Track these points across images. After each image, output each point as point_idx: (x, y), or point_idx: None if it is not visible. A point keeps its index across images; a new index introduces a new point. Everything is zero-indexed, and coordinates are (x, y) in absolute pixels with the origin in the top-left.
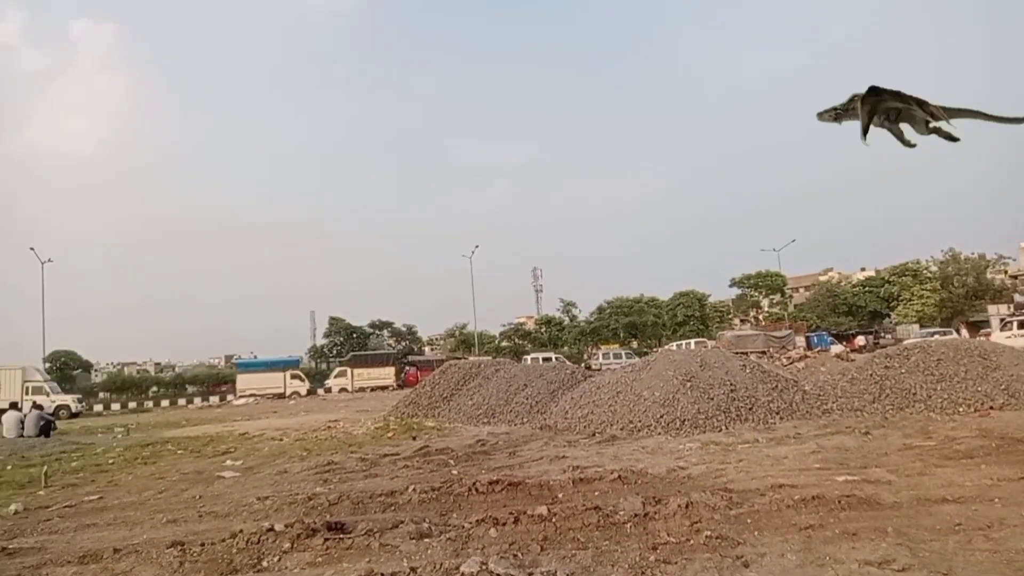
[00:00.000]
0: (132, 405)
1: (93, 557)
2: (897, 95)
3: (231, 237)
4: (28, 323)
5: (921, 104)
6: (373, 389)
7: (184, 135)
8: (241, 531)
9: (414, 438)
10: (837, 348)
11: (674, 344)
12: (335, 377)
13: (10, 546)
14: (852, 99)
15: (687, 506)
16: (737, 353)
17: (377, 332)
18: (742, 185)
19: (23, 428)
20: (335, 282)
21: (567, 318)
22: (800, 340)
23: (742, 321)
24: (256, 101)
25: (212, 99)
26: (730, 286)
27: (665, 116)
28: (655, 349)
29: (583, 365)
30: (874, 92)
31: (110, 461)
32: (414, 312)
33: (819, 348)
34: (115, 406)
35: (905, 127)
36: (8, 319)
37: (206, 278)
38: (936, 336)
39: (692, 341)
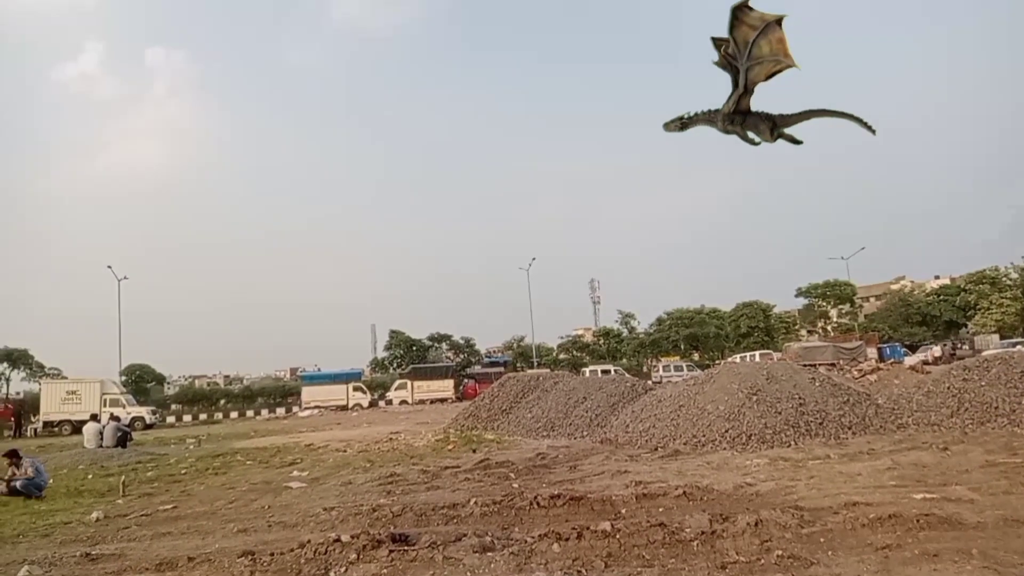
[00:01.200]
0: (203, 417)
1: (169, 565)
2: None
3: (296, 253)
4: (106, 338)
5: (767, 116)
6: (432, 401)
7: (249, 154)
8: (309, 541)
9: (474, 451)
10: (911, 360)
11: (738, 356)
12: (395, 389)
13: (93, 552)
14: (705, 113)
15: (756, 524)
16: (805, 365)
17: (436, 345)
18: (807, 191)
19: (102, 439)
20: (395, 296)
21: (625, 330)
22: (871, 352)
23: (809, 332)
24: (317, 121)
25: (275, 119)
26: (796, 296)
27: None
28: (717, 362)
29: (651, 381)
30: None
31: (183, 471)
32: (472, 325)
33: (892, 360)
34: (187, 417)
35: (752, 133)
36: (88, 334)
37: (273, 293)
38: (1019, 347)
39: (757, 353)
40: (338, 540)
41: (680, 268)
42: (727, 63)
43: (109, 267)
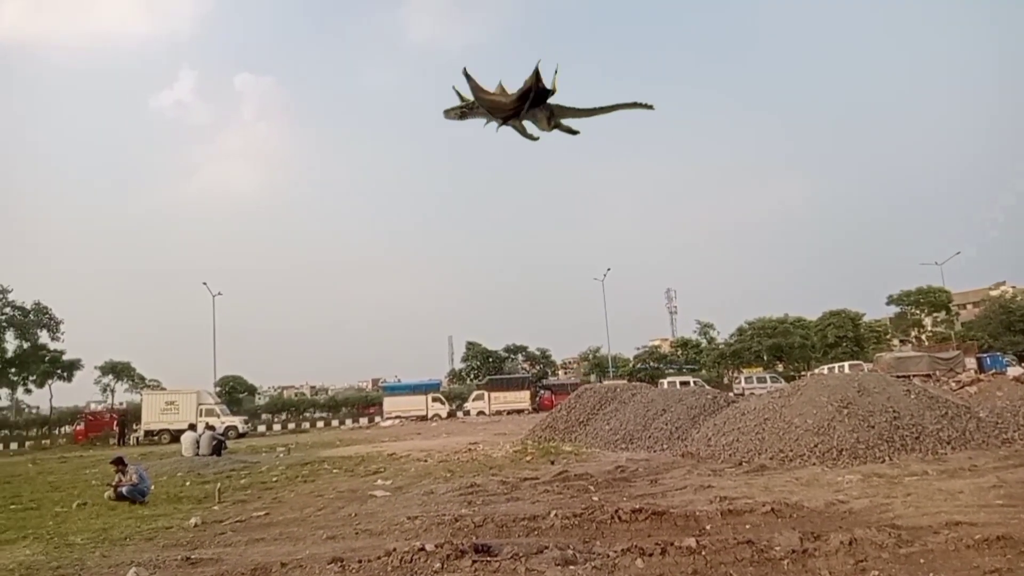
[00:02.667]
0: (291, 426)
1: (263, 570)
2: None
3: (376, 267)
4: (201, 351)
5: (545, 106)
6: (509, 412)
7: (330, 174)
8: (395, 550)
9: (552, 462)
10: (1016, 371)
11: (825, 367)
12: (473, 400)
13: (192, 556)
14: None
15: (850, 543)
16: (898, 377)
17: (512, 356)
18: (896, 194)
19: (199, 447)
20: (471, 307)
21: (704, 340)
22: (970, 362)
23: (902, 342)
24: (394, 139)
25: (355, 139)
26: (887, 304)
27: (806, 125)
28: (803, 373)
29: (732, 393)
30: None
31: (274, 479)
32: (547, 336)
33: (993, 371)
34: (276, 427)
35: (528, 124)
36: (185, 348)
37: (355, 306)
38: None
39: (846, 364)
40: (423, 549)
41: (761, 276)
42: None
43: (204, 283)
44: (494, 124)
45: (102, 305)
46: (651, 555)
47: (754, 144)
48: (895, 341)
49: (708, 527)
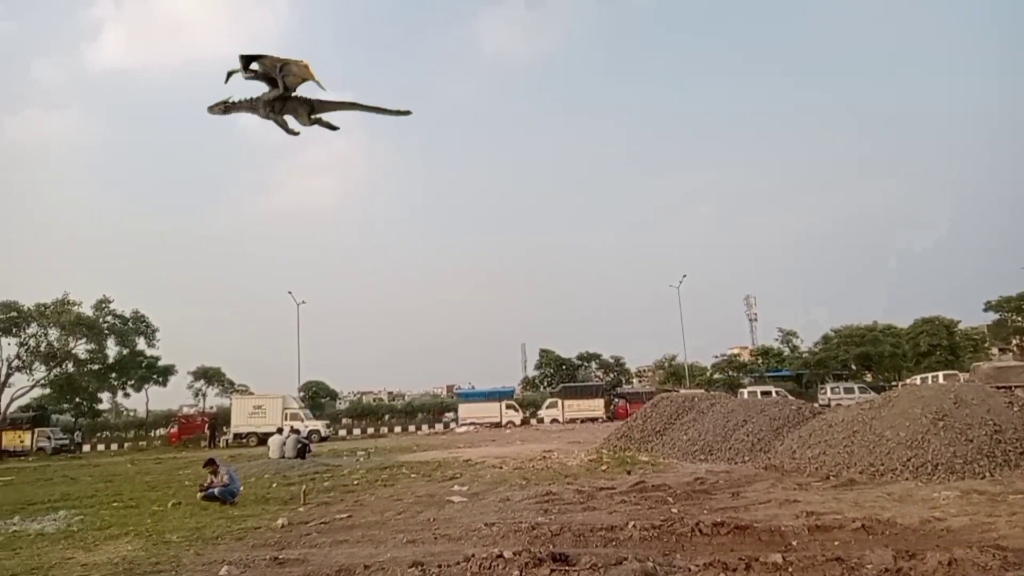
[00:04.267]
0: (370, 430)
1: (347, 572)
2: (282, 98)
3: (450, 274)
4: (286, 357)
5: (306, 100)
6: (583, 420)
7: (406, 184)
8: (473, 555)
9: (628, 472)
10: None
11: (918, 377)
12: (546, 408)
13: (280, 556)
14: (248, 100)
15: (950, 563)
16: (999, 388)
17: (585, 364)
18: (994, 195)
19: (284, 450)
20: (544, 315)
21: (787, 349)
22: None
23: (1002, 351)
24: (469, 149)
25: (430, 150)
26: (985, 310)
27: (893, 124)
28: (893, 383)
29: (818, 403)
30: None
31: (355, 482)
32: (621, 344)
33: None
34: (356, 431)
35: (289, 118)
36: (271, 354)
37: (430, 313)
38: None
39: (940, 374)
40: (501, 556)
41: (847, 283)
42: (260, 75)
43: (289, 292)
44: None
45: (195, 313)
46: (735, 570)
47: (838, 147)
48: (994, 350)
49: (794, 543)
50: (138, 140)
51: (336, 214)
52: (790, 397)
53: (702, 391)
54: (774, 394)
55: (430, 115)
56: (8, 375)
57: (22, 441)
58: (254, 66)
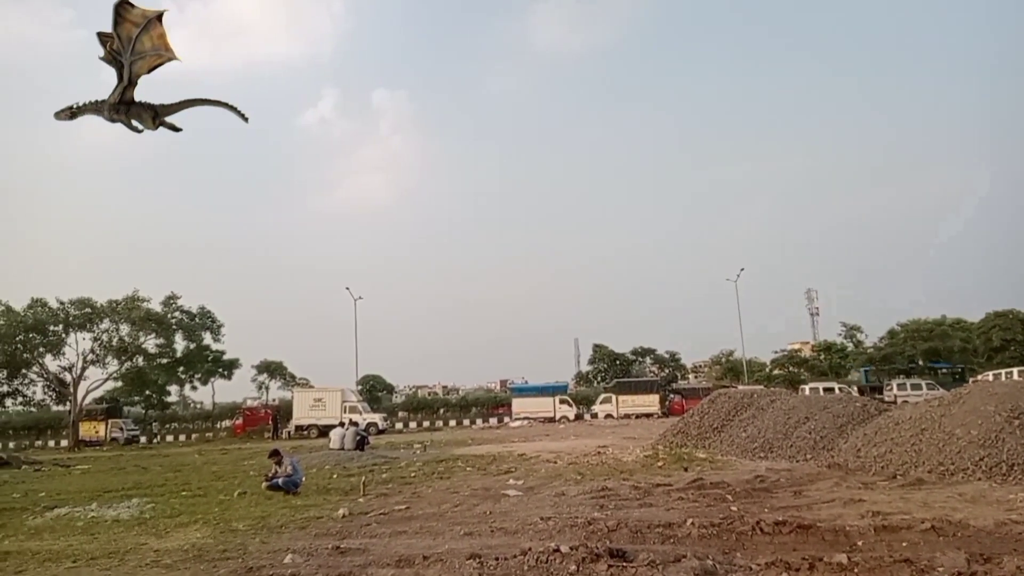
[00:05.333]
0: (425, 424)
1: (407, 562)
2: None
3: (503, 269)
4: (344, 351)
5: (149, 106)
6: (637, 416)
7: (459, 180)
8: (530, 549)
9: (686, 469)
10: None
11: (990, 374)
12: (600, 403)
13: (342, 545)
14: (93, 103)
15: None
16: None
17: (640, 359)
18: None
19: (344, 441)
20: (598, 309)
21: (850, 344)
22: None
23: None
24: (519, 143)
25: (482, 145)
26: None
27: (964, 110)
28: (959, 379)
29: (883, 400)
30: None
31: (412, 474)
32: (677, 339)
33: None
34: (412, 424)
35: (136, 122)
36: (330, 348)
37: (485, 308)
38: None
39: (1015, 370)
40: (558, 550)
41: (913, 276)
42: (112, 58)
43: (347, 288)
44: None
45: (258, 308)
46: (798, 570)
47: (906, 137)
48: None
49: (860, 543)
50: (201, 143)
51: (391, 210)
52: (855, 393)
53: (761, 387)
54: (837, 390)
55: (484, 110)
56: (83, 368)
57: (97, 431)
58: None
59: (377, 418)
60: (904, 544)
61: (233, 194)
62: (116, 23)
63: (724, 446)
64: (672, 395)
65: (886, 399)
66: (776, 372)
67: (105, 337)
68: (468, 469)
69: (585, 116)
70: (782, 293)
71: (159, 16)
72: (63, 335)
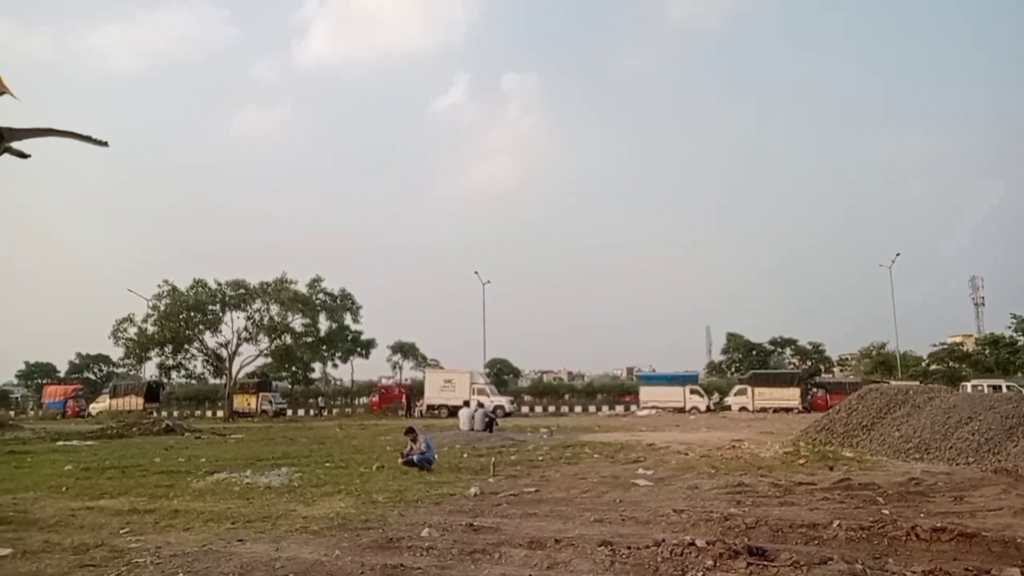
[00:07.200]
0: (551, 409)
1: (539, 544)
2: None
3: (633, 254)
4: (472, 334)
5: None
6: (775, 410)
7: (587, 162)
8: (664, 541)
9: (831, 468)
10: None
11: None
12: (735, 395)
13: (475, 523)
14: None
15: None
16: None
17: (779, 350)
18: None
19: (473, 422)
20: (731, 297)
21: (1021, 338)
22: None
23: None
24: (651, 122)
25: (611, 125)
26: None
27: None
28: None
29: None
30: None
31: (539, 458)
32: (820, 329)
33: None
34: (537, 408)
35: None
36: (458, 330)
37: (612, 294)
38: None
39: None
40: (693, 544)
41: None
42: None
43: (476, 272)
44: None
45: (392, 292)
46: None
47: None
48: None
49: None
50: (340, 132)
51: (519, 193)
52: None
53: (917, 383)
54: (1005, 389)
55: (615, 89)
56: (238, 345)
57: (249, 404)
58: None
59: (504, 401)
60: None
61: (371, 181)
62: None
63: (874, 445)
64: (814, 389)
65: None
66: (934, 367)
67: (257, 316)
68: (596, 456)
69: (721, 91)
70: (942, 281)
71: None
72: (220, 314)
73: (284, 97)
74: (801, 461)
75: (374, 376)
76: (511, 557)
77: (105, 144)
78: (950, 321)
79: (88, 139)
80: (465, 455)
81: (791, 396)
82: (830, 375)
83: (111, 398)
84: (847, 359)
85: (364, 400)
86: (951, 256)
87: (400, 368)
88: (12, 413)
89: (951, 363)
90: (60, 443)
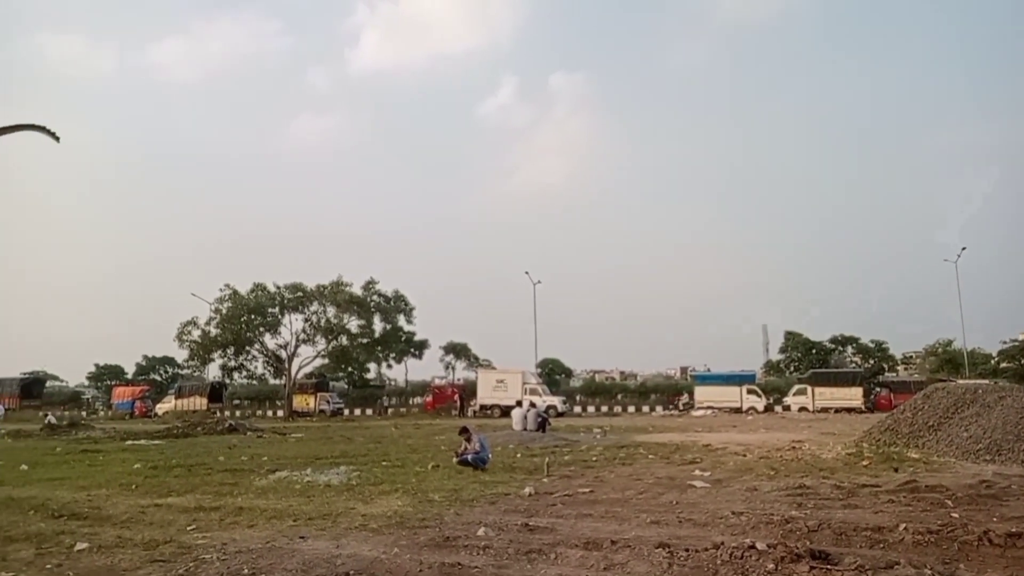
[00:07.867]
0: (604, 409)
1: (595, 545)
2: None
3: (685, 252)
4: (524, 334)
5: None
6: (837, 410)
7: (638, 161)
8: (723, 543)
9: (896, 469)
10: None
11: None
12: (793, 395)
13: (530, 523)
14: None
15: None
16: None
17: (840, 348)
18: None
19: (526, 422)
20: (789, 294)
21: None
22: None
23: None
24: (702, 119)
25: (661, 124)
26: None
27: None
28: None
29: None
30: None
31: (593, 458)
32: (883, 327)
33: None
34: (590, 408)
35: None
36: (511, 331)
37: (663, 292)
38: None
39: None
40: (753, 547)
41: None
42: None
43: (526, 272)
44: None
45: (444, 293)
46: None
47: None
48: None
49: None
50: (392, 136)
51: (569, 193)
52: None
53: (986, 381)
54: None
55: (664, 86)
56: (296, 346)
57: (308, 403)
58: None
59: (556, 401)
60: None
61: (424, 184)
62: None
63: (941, 446)
64: (878, 388)
65: None
66: (1004, 365)
67: (314, 318)
68: (650, 457)
69: (774, 86)
70: (1014, 275)
71: None
72: (279, 316)
73: (337, 103)
74: (864, 462)
75: (427, 376)
76: (567, 558)
77: (56, 138)
78: (1022, 317)
79: (42, 129)
80: (519, 455)
81: (853, 396)
82: (894, 374)
83: (176, 398)
84: (911, 357)
85: (418, 400)
86: (1022, 250)
87: (453, 368)
88: (84, 413)
89: (1023, 361)
90: (129, 442)
